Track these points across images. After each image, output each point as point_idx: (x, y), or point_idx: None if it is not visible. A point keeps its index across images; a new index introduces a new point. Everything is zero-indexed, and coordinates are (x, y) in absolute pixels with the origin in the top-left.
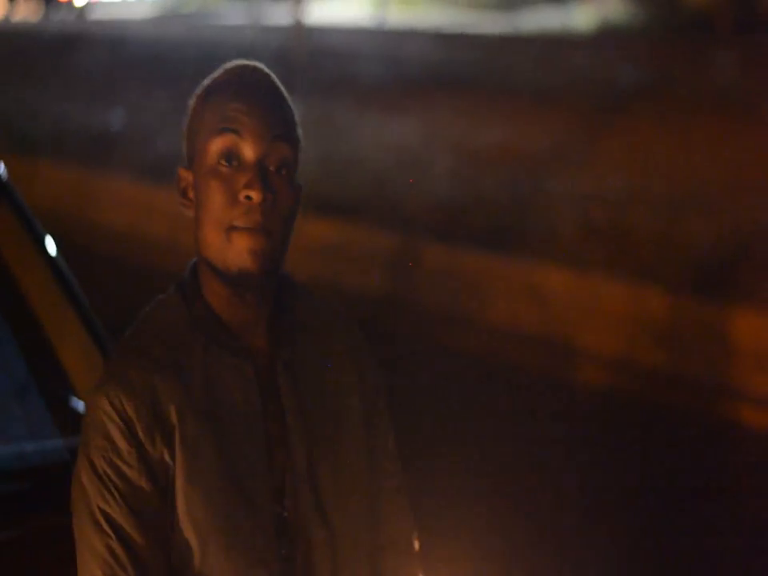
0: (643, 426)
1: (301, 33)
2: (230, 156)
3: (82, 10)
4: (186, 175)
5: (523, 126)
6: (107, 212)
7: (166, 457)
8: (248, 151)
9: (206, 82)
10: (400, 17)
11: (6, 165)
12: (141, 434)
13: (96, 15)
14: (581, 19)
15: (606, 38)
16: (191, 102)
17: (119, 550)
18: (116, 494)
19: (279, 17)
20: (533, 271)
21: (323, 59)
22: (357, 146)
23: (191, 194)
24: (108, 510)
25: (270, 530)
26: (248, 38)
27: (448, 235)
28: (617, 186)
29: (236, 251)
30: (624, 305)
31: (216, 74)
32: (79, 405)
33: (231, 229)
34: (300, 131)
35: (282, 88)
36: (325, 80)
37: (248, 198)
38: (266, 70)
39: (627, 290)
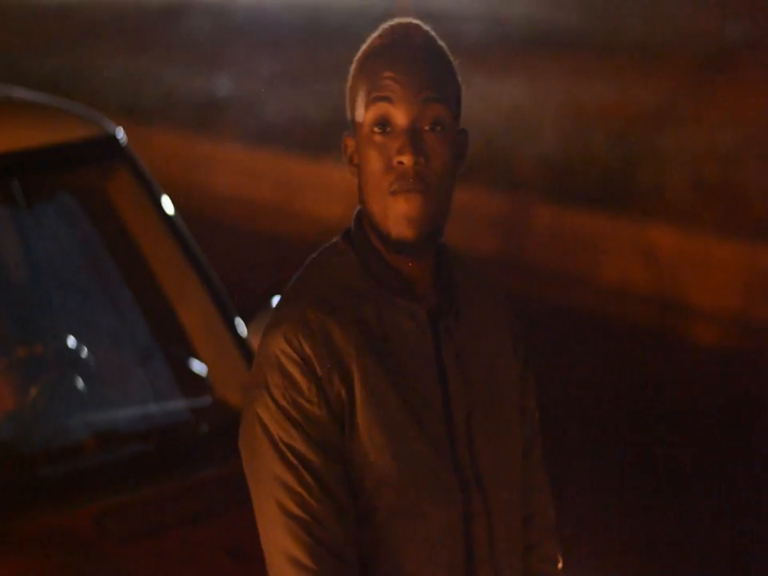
0: (761, 383)
1: None
2: (383, 123)
3: None
4: (350, 142)
5: (630, 82)
6: (214, 176)
7: (343, 394)
8: (399, 117)
9: (365, 45)
10: None
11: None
12: (319, 371)
13: None
14: None
15: None
16: (352, 67)
17: (309, 480)
18: (299, 428)
19: None
20: (644, 230)
21: (429, 21)
22: (464, 108)
23: (356, 160)
24: (293, 443)
25: (448, 461)
26: (353, 0)
27: (558, 195)
28: (727, 141)
29: (393, 216)
30: (737, 263)
31: (375, 35)
32: (200, 366)
33: (388, 194)
34: (460, 85)
35: (442, 45)
36: None
37: (400, 163)
38: (425, 27)
39: (740, 248)
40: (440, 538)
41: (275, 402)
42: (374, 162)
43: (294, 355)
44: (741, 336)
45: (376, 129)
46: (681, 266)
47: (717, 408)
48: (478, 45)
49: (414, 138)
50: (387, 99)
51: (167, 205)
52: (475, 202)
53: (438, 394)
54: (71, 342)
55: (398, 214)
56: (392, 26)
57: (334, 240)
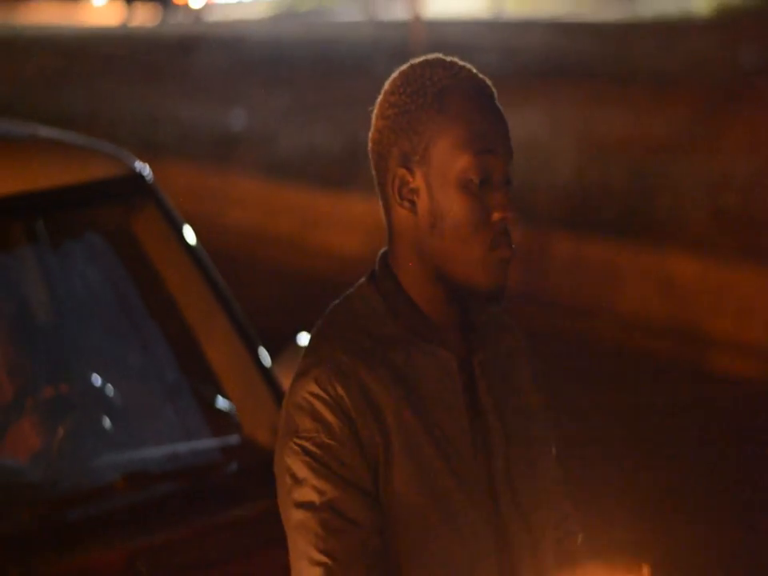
0: None
1: (419, 27)
2: (485, 175)
3: (199, 12)
4: (407, 177)
5: (646, 112)
6: (232, 210)
7: (378, 439)
8: (499, 170)
9: (425, 80)
10: (517, 8)
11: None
12: (353, 412)
13: (213, 17)
14: (699, 2)
15: (725, 20)
16: (402, 96)
17: (336, 524)
18: (329, 471)
19: (395, 12)
20: (663, 259)
21: (442, 52)
22: None
23: (412, 197)
24: (322, 487)
25: (485, 509)
26: (365, 34)
27: (575, 225)
28: (744, 169)
29: (494, 271)
30: (757, 291)
31: (435, 71)
32: (228, 405)
33: (488, 249)
34: None
35: None
36: None
37: (502, 219)
38: (487, 79)
39: (760, 276)
40: None
41: (304, 448)
42: (468, 213)
43: (326, 396)
44: (762, 364)
45: (474, 180)
46: (700, 295)
47: (737, 435)
48: (494, 75)
49: (509, 193)
50: (492, 152)
51: (193, 241)
52: None
53: (468, 442)
54: (98, 381)
55: (499, 269)
56: (457, 66)
57: (358, 284)
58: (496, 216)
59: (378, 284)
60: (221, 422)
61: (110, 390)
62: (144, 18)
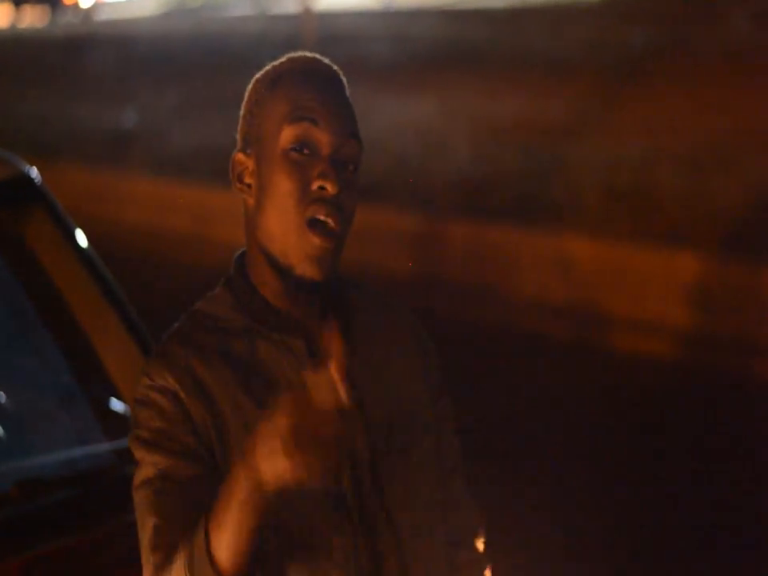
0: (678, 388)
1: (310, 19)
2: (304, 144)
3: (88, 11)
4: (244, 160)
5: (540, 96)
6: (126, 210)
7: (209, 422)
8: (323, 142)
9: (269, 69)
10: None
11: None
12: (183, 396)
13: (102, 16)
14: None
15: (614, 3)
16: (251, 87)
17: (167, 487)
18: (161, 448)
19: (286, 5)
20: (559, 242)
21: (334, 45)
22: (375, 128)
23: (249, 180)
24: (155, 460)
25: (326, 503)
26: (257, 28)
27: (472, 210)
28: (638, 151)
29: (302, 252)
30: (653, 270)
31: (279, 63)
32: (123, 408)
33: (303, 223)
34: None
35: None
36: (338, 65)
37: (321, 188)
38: (333, 65)
39: (655, 255)
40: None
41: (139, 437)
42: (286, 183)
43: (157, 385)
44: (660, 342)
45: (294, 149)
46: (598, 276)
47: (638, 412)
48: (387, 64)
49: (336, 166)
50: (312, 121)
51: (84, 243)
52: (389, 221)
53: None
54: None
55: (307, 251)
56: (302, 56)
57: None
58: (314, 184)
59: (230, 283)
60: (116, 425)
61: (1, 397)
62: (33, 18)
